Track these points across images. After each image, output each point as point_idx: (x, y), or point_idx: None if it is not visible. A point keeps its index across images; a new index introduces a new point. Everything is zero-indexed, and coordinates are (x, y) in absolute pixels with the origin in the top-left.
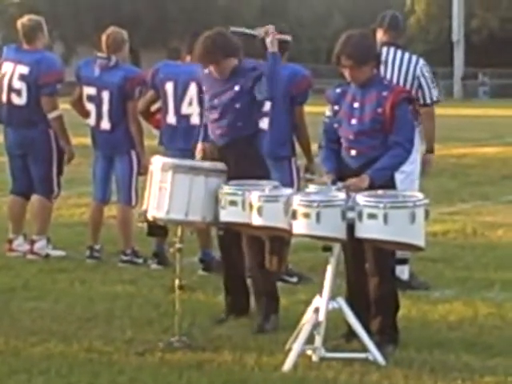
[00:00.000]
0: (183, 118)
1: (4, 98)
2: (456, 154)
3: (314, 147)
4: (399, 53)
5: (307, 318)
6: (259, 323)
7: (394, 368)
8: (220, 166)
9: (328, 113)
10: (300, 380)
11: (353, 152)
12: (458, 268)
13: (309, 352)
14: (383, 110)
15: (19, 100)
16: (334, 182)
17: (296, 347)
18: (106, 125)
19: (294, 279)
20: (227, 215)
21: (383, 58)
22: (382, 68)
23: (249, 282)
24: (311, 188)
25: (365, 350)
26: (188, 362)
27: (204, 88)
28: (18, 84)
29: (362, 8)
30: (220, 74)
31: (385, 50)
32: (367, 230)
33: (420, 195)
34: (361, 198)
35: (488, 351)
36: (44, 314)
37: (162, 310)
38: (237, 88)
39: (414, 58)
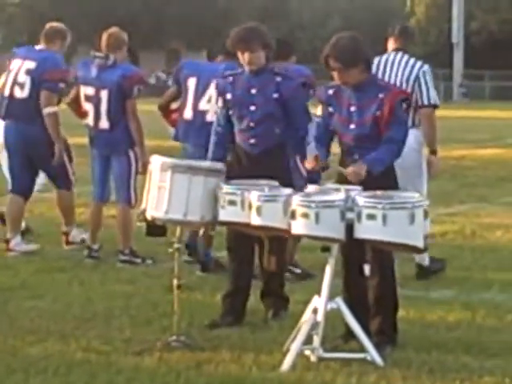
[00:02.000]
0: (199, 114)
1: (7, 92)
2: (455, 155)
3: None
4: (405, 57)
5: (306, 318)
6: (268, 318)
7: (392, 368)
8: (219, 165)
9: (319, 113)
10: (298, 380)
11: (355, 156)
12: (456, 269)
13: (307, 352)
14: (381, 112)
15: (21, 93)
16: (323, 169)
17: (294, 347)
18: (104, 124)
19: (298, 270)
20: (226, 215)
21: (390, 61)
22: (388, 70)
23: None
24: (310, 188)
25: (363, 350)
26: (186, 361)
27: (229, 96)
28: (22, 78)
29: (360, 9)
30: (250, 65)
31: (393, 54)
32: (366, 230)
33: (419, 196)
34: (360, 199)
35: (486, 352)
36: (42, 313)
37: (161, 310)
38: (275, 95)
39: (419, 63)
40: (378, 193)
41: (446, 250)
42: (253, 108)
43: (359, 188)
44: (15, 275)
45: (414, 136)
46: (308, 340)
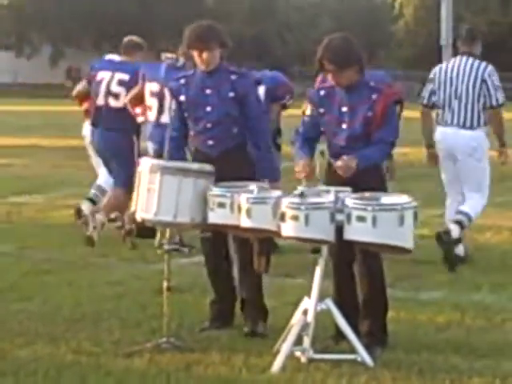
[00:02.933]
0: None
1: (101, 101)
2: None
3: None
4: (470, 60)
5: (296, 320)
6: (249, 328)
7: (382, 369)
8: (208, 167)
9: (308, 112)
10: (288, 382)
11: (344, 157)
12: (445, 270)
13: (297, 353)
14: (374, 113)
15: (116, 103)
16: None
17: (284, 348)
18: (165, 119)
19: None
20: (216, 217)
21: (456, 66)
22: (459, 76)
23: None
24: (300, 190)
25: (353, 351)
26: (176, 363)
27: (183, 98)
28: (116, 89)
29: (350, 11)
30: (207, 65)
31: (458, 59)
32: (356, 232)
33: (408, 198)
34: (350, 201)
35: (475, 353)
36: (31, 315)
37: (150, 312)
38: (231, 94)
39: (483, 64)
40: (367, 194)
41: (436, 251)
42: (209, 109)
43: (349, 190)
44: (4, 277)
45: (483, 135)
46: (298, 341)
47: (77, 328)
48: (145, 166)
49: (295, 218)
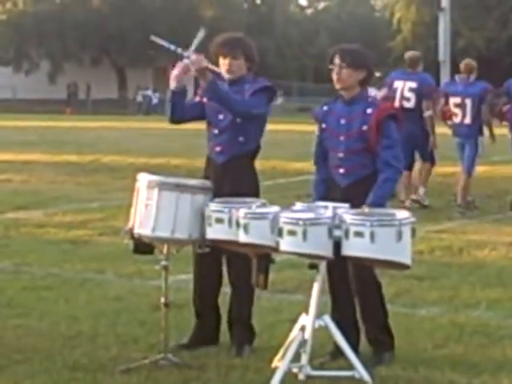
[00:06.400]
0: None
1: (397, 103)
2: (442, 172)
3: (303, 165)
4: None
5: (293, 336)
6: (235, 352)
7: None
8: (206, 183)
9: (317, 132)
10: None
11: (341, 170)
12: (444, 286)
13: (295, 370)
14: (368, 127)
15: (408, 104)
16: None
17: (282, 365)
18: (468, 120)
19: None
20: (214, 233)
21: None
22: None
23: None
24: (298, 205)
25: (351, 367)
26: (174, 380)
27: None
28: (408, 94)
29: (347, 26)
30: (230, 73)
31: None
32: (354, 248)
33: (406, 213)
34: (348, 216)
35: (473, 369)
36: (28, 331)
37: (148, 328)
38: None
39: None
40: (366, 210)
41: (434, 267)
42: (221, 117)
43: (347, 206)
44: (1, 293)
45: None
46: (296, 358)
47: (74, 344)
48: (142, 181)
49: (293, 233)
